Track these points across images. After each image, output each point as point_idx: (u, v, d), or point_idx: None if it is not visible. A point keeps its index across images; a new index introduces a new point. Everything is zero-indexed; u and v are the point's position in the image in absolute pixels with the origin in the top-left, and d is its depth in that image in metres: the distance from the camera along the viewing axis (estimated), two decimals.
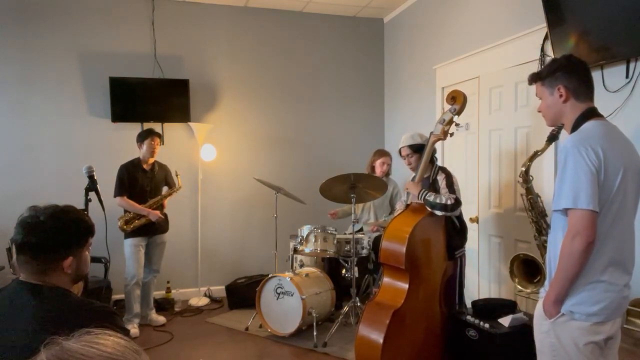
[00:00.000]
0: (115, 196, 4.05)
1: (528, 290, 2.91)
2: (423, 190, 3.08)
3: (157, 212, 4.14)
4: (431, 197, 3.04)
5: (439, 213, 3.04)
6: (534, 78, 1.95)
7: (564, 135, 1.97)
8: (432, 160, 3.28)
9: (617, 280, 1.73)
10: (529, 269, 2.92)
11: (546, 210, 2.48)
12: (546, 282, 1.86)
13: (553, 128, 2.16)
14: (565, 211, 1.71)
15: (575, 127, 1.83)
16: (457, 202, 3.04)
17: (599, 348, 1.73)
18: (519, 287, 2.92)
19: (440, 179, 3.19)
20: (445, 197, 3.03)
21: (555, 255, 1.77)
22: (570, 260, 1.68)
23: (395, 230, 3.01)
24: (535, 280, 2.90)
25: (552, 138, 2.21)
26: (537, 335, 1.85)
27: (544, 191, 3.08)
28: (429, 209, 3.05)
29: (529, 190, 2.46)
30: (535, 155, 2.38)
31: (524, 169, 2.43)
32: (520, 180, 2.44)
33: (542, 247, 2.48)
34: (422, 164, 3.14)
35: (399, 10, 5.29)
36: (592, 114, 1.83)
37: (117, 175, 4.10)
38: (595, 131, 1.76)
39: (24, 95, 4.62)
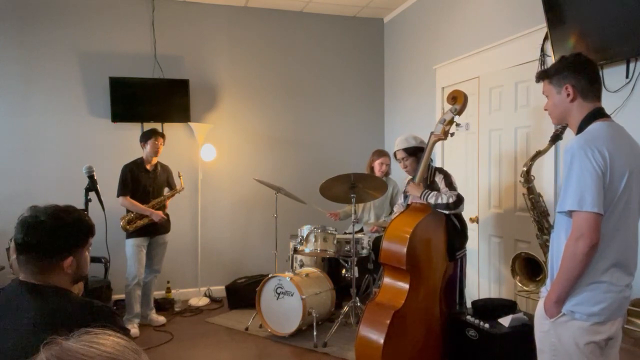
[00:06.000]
0: (118, 196, 4.06)
1: (528, 289, 2.90)
2: (425, 191, 3.09)
3: (160, 213, 4.14)
4: (432, 198, 3.04)
5: (443, 212, 3.05)
6: (542, 75, 1.92)
7: (568, 135, 1.96)
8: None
9: (618, 280, 1.73)
10: (530, 268, 2.92)
11: (548, 209, 2.48)
12: (547, 282, 1.85)
13: (557, 128, 2.14)
14: (569, 212, 1.70)
15: (581, 128, 1.80)
16: (459, 199, 3.04)
17: (600, 348, 1.73)
18: (519, 285, 2.91)
19: (439, 179, 3.19)
20: (446, 196, 3.03)
21: (558, 255, 1.77)
22: (573, 262, 1.68)
23: (396, 230, 3.00)
24: (537, 279, 2.89)
25: (556, 138, 2.20)
26: (538, 334, 1.85)
27: (545, 191, 3.08)
28: (433, 209, 3.05)
29: (531, 190, 2.44)
30: (538, 155, 2.35)
31: (525, 168, 2.41)
32: (522, 180, 2.42)
33: (544, 247, 2.46)
34: (422, 165, 3.14)
35: (399, 10, 5.29)
36: (599, 114, 1.80)
37: (120, 175, 4.10)
38: (601, 132, 1.74)
39: (24, 95, 4.62)
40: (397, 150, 3.36)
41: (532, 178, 2.42)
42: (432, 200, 3.04)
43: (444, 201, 3.02)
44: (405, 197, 3.38)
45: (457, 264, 3.23)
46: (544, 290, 1.86)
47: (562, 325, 1.75)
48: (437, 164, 4.33)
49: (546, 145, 2.29)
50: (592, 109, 1.80)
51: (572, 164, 1.70)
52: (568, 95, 1.81)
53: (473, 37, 3.97)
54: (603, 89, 2.71)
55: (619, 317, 1.77)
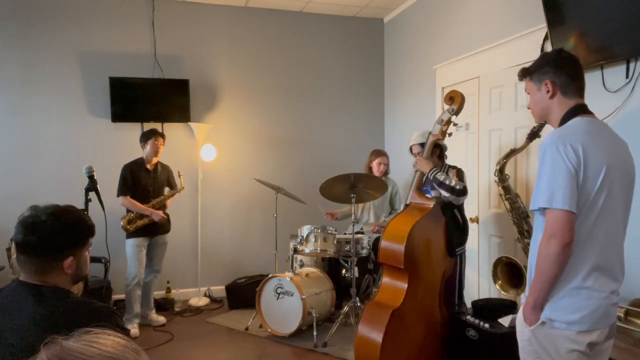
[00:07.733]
0: (118, 195, 4.06)
1: (510, 295, 2.83)
2: (434, 168, 3.10)
3: (160, 212, 4.14)
4: (442, 176, 3.05)
5: (445, 194, 3.05)
6: (523, 73, 1.85)
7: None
8: (442, 159, 3.33)
9: (602, 286, 1.62)
10: (514, 273, 2.86)
11: (528, 211, 2.42)
12: (527, 287, 1.75)
13: (534, 125, 2.11)
14: (543, 211, 1.62)
15: (561, 124, 1.72)
16: (465, 190, 3.06)
17: (585, 356, 1.62)
18: (501, 290, 2.85)
19: (452, 174, 3.22)
20: (455, 181, 3.05)
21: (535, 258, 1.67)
22: (546, 262, 1.58)
23: (394, 229, 3.00)
24: (522, 285, 2.84)
25: (533, 136, 2.16)
26: (520, 342, 1.75)
27: None
28: (436, 187, 3.07)
29: (507, 189, 2.35)
30: (512, 152, 2.30)
31: (498, 167, 2.30)
32: (496, 179, 2.32)
33: (526, 250, 2.36)
34: (425, 151, 3.18)
35: (399, 10, 5.29)
36: (579, 110, 1.72)
37: (120, 174, 4.10)
38: (577, 128, 1.66)
39: (24, 95, 4.62)
40: (414, 145, 3.41)
41: (507, 177, 2.34)
42: (440, 178, 3.04)
43: (451, 184, 3.02)
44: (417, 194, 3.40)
45: (457, 262, 3.24)
46: (524, 297, 1.76)
47: (542, 333, 1.66)
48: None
49: (522, 143, 2.25)
50: (573, 105, 1.73)
51: (544, 160, 1.62)
52: (548, 91, 1.74)
53: (473, 37, 3.97)
54: (603, 89, 2.73)
55: (605, 326, 1.65)
